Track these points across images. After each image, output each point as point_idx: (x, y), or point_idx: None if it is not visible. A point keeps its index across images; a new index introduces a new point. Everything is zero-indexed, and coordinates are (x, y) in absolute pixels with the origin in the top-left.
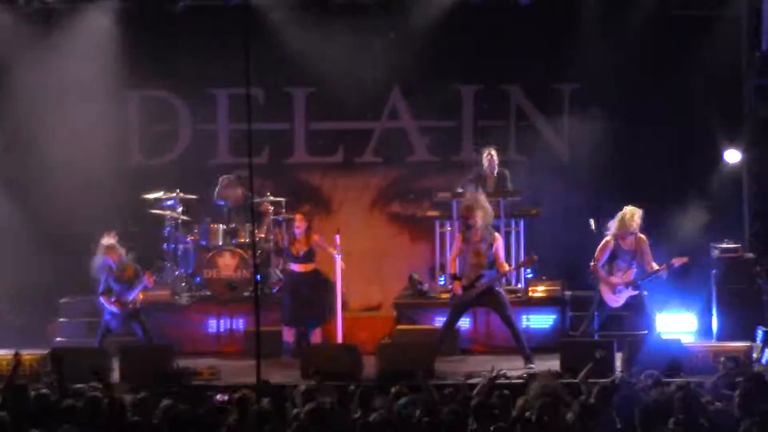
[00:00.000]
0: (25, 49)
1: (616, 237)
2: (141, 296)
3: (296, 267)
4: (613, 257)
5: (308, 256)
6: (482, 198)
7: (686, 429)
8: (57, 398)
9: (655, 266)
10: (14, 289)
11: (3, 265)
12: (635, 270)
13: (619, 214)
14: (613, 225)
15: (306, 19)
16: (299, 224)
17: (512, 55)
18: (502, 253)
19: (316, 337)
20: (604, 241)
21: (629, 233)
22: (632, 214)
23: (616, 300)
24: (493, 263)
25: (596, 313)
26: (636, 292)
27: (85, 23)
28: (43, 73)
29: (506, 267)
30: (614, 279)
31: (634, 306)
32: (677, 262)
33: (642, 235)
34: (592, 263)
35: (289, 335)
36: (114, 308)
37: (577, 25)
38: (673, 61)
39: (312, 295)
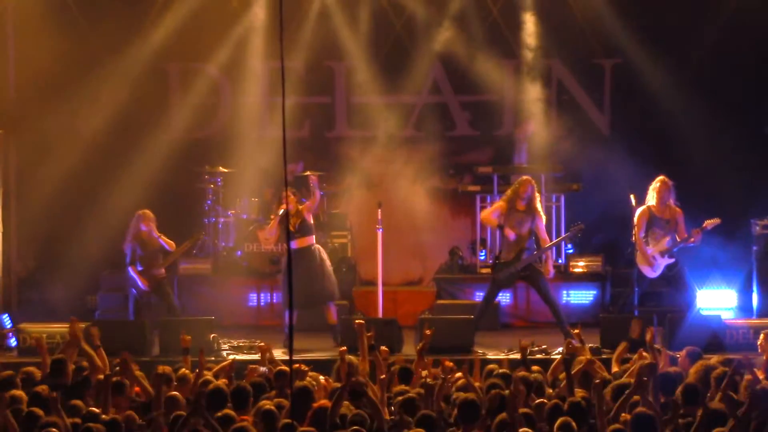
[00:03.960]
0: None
1: (650, 207)
2: (163, 272)
3: (294, 243)
4: (649, 226)
5: (304, 230)
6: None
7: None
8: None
9: (694, 231)
10: (57, 262)
11: (45, 238)
12: (669, 238)
13: (652, 184)
14: (648, 195)
15: None
16: (288, 200)
17: (553, 29)
18: (544, 230)
19: (331, 314)
20: (639, 212)
21: (663, 203)
22: (661, 183)
23: (653, 270)
24: (530, 243)
25: (636, 287)
26: (672, 260)
27: None
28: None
29: (548, 243)
30: (649, 249)
31: (674, 281)
32: (709, 224)
33: (676, 206)
34: (635, 238)
35: (331, 315)
36: (138, 280)
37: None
38: (717, 36)
39: (313, 271)
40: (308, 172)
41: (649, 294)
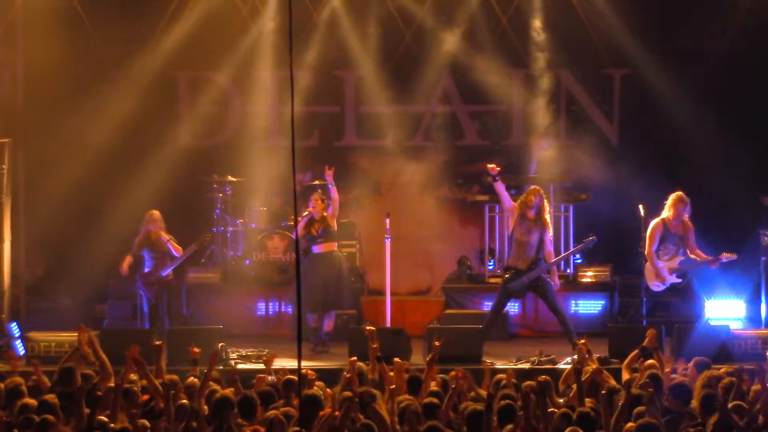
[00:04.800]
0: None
1: (664, 220)
2: (171, 275)
3: (316, 248)
4: (662, 241)
5: (327, 235)
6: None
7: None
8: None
9: (702, 255)
10: (65, 270)
11: (54, 246)
12: (682, 257)
13: (669, 199)
14: (664, 209)
15: (355, 2)
16: (315, 204)
17: (562, 40)
18: (549, 243)
19: (329, 324)
20: (653, 225)
21: (678, 218)
22: (678, 198)
23: (659, 285)
24: (541, 253)
25: (644, 298)
26: (680, 280)
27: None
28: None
29: (552, 257)
30: (660, 263)
31: (683, 291)
32: (726, 257)
33: (689, 222)
34: (646, 249)
35: (313, 321)
36: (141, 285)
37: (628, 11)
38: (726, 45)
39: (331, 278)
40: (317, 181)
41: (657, 304)
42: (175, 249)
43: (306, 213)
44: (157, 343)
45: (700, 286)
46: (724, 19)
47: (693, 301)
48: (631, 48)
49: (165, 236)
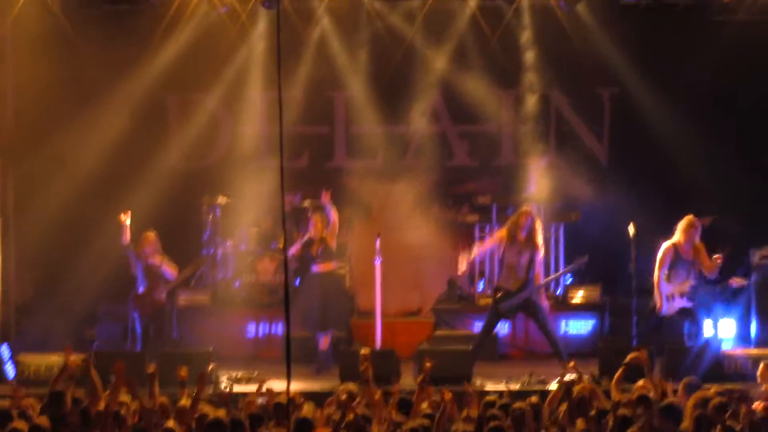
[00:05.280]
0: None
1: (675, 245)
2: (164, 296)
3: (316, 268)
4: (672, 266)
5: (326, 255)
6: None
7: None
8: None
9: (712, 263)
10: (56, 291)
11: (45, 269)
12: (693, 281)
13: (680, 223)
14: (675, 233)
15: (344, 22)
16: (315, 225)
17: (552, 59)
18: (539, 264)
19: (324, 343)
20: (664, 249)
21: (689, 243)
22: (689, 223)
23: (665, 310)
24: (531, 274)
25: (634, 317)
26: (690, 304)
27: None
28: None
29: (541, 279)
30: (667, 289)
31: (687, 314)
32: (736, 283)
33: (699, 245)
34: (654, 274)
35: (324, 342)
36: (133, 307)
37: (617, 31)
38: (714, 66)
39: (330, 297)
40: (306, 202)
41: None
42: (170, 270)
43: (306, 237)
44: (151, 369)
45: (703, 307)
46: (712, 38)
47: (694, 323)
48: (620, 67)
49: (157, 260)
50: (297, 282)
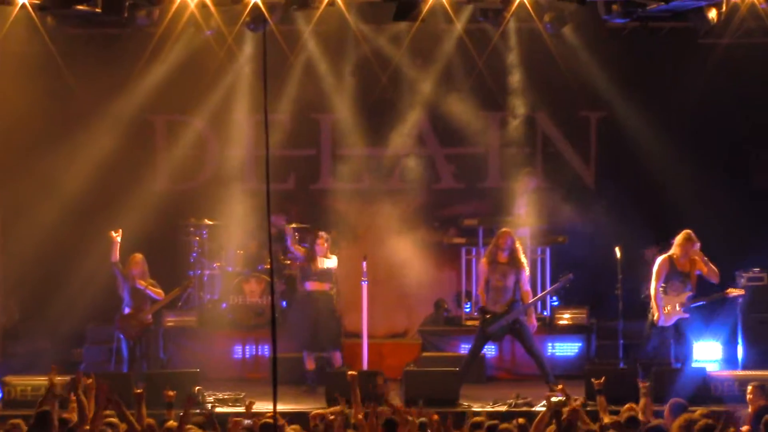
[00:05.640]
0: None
1: (671, 257)
2: (150, 318)
3: (311, 285)
4: (668, 278)
5: (325, 275)
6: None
7: None
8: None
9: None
10: (42, 313)
11: (31, 291)
12: (690, 292)
13: (678, 237)
14: (672, 246)
15: (331, 45)
16: (322, 243)
17: (539, 82)
18: (527, 283)
19: (338, 360)
20: (660, 261)
21: (685, 256)
22: (686, 238)
23: (667, 320)
24: (518, 294)
25: (621, 340)
26: (687, 315)
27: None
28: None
29: (530, 298)
30: (668, 299)
31: (676, 334)
32: (733, 293)
33: (696, 256)
34: (651, 285)
35: (310, 362)
36: (119, 329)
37: (603, 53)
38: (700, 89)
39: (322, 317)
40: (294, 225)
41: (633, 346)
42: (155, 294)
43: (309, 251)
44: (138, 391)
45: (691, 329)
46: (699, 61)
47: (683, 344)
48: (606, 90)
49: (142, 284)
50: (284, 304)
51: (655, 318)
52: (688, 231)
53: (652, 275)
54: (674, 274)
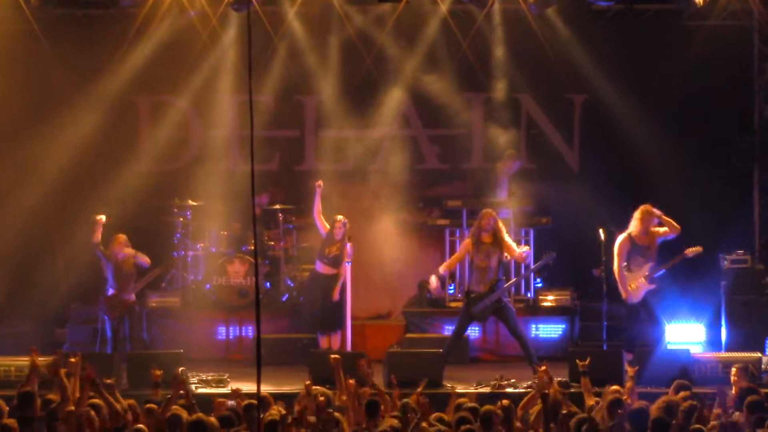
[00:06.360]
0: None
1: (630, 235)
2: (134, 298)
3: (322, 268)
4: (630, 255)
5: (337, 260)
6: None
7: None
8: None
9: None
10: (26, 295)
11: (15, 273)
12: (651, 264)
13: (637, 211)
14: (631, 222)
15: (315, 27)
16: (340, 227)
17: (523, 64)
18: (514, 248)
19: (336, 342)
20: (620, 241)
21: (645, 231)
22: (647, 211)
23: (635, 296)
24: (501, 274)
25: (605, 322)
26: (653, 286)
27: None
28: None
29: (516, 252)
30: (632, 276)
31: (645, 315)
32: (691, 252)
33: (654, 229)
34: (614, 265)
35: (324, 342)
36: (103, 310)
37: (588, 35)
38: (684, 72)
39: (328, 299)
40: (278, 205)
41: (617, 328)
42: (143, 259)
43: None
44: (109, 381)
45: (662, 310)
46: (684, 43)
47: (654, 325)
48: (591, 72)
49: (129, 251)
50: (267, 285)
51: (624, 297)
52: (647, 206)
53: (614, 256)
54: (635, 250)
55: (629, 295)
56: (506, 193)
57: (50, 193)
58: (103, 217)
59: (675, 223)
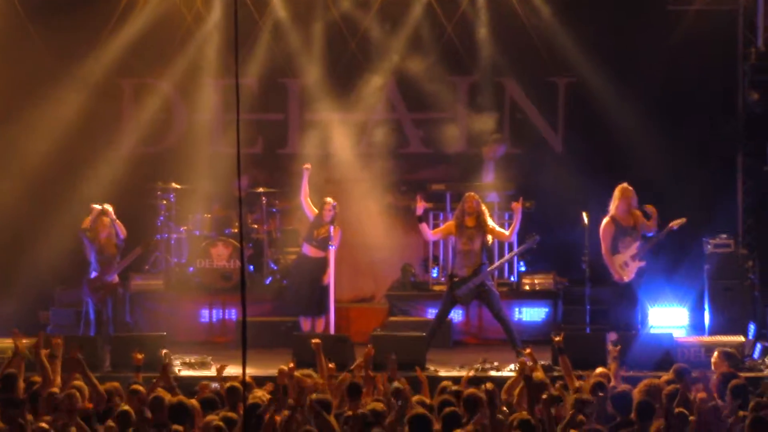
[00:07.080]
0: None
1: (613, 218)
2: (117, 279)
3: (310, 251)
4: (616, 237)
5: (326, 243)
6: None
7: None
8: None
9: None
10: (9, 277)
11: None
12: (639, 242)
13: (615, 191)
14: (611, 204)
15: (302, 11)
16: (330, 209)
17: (507, 47)
18: (494, 223)
19: (320, 325)
20: (603, 225)
21: (627, 211)
22: (625, 191)
23: (627, 274)
24: (484, 258)
25: (588, 306)
26: (643, 263)
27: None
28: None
29: (506, 234)
30: (621, 256)
31: (627, 299)
32: (676, 224)
33: (635, 210)
34: (603, 250)
35: (306, 325)
36: (87, 293)
37: (572, 18)
38: (669, 56)
39: (317, 281)
40: (261, 189)
41: (600, 311)
42: (120, 228)
43: (317, 217)
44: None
45: (644, 293)
46: (668, 27)
47: (636, 308)
48: (575, 56)
49: (105, 220)
50: (251, 268)
51: (615, 278)
52: (625, 184)
53: (600, 239)
54: (620, 232)
55: (621, 275)
56: (492, 177)
57: (33, 175)
58: (104, 206)
59: (650, 223)
